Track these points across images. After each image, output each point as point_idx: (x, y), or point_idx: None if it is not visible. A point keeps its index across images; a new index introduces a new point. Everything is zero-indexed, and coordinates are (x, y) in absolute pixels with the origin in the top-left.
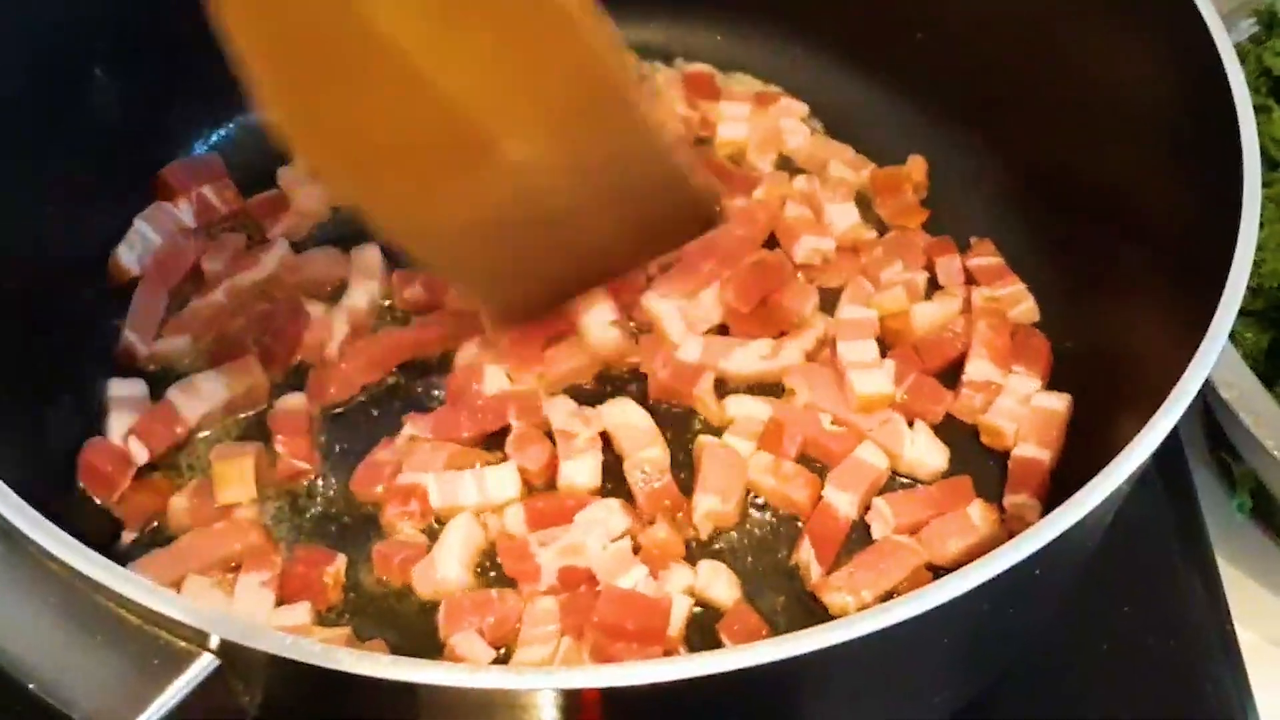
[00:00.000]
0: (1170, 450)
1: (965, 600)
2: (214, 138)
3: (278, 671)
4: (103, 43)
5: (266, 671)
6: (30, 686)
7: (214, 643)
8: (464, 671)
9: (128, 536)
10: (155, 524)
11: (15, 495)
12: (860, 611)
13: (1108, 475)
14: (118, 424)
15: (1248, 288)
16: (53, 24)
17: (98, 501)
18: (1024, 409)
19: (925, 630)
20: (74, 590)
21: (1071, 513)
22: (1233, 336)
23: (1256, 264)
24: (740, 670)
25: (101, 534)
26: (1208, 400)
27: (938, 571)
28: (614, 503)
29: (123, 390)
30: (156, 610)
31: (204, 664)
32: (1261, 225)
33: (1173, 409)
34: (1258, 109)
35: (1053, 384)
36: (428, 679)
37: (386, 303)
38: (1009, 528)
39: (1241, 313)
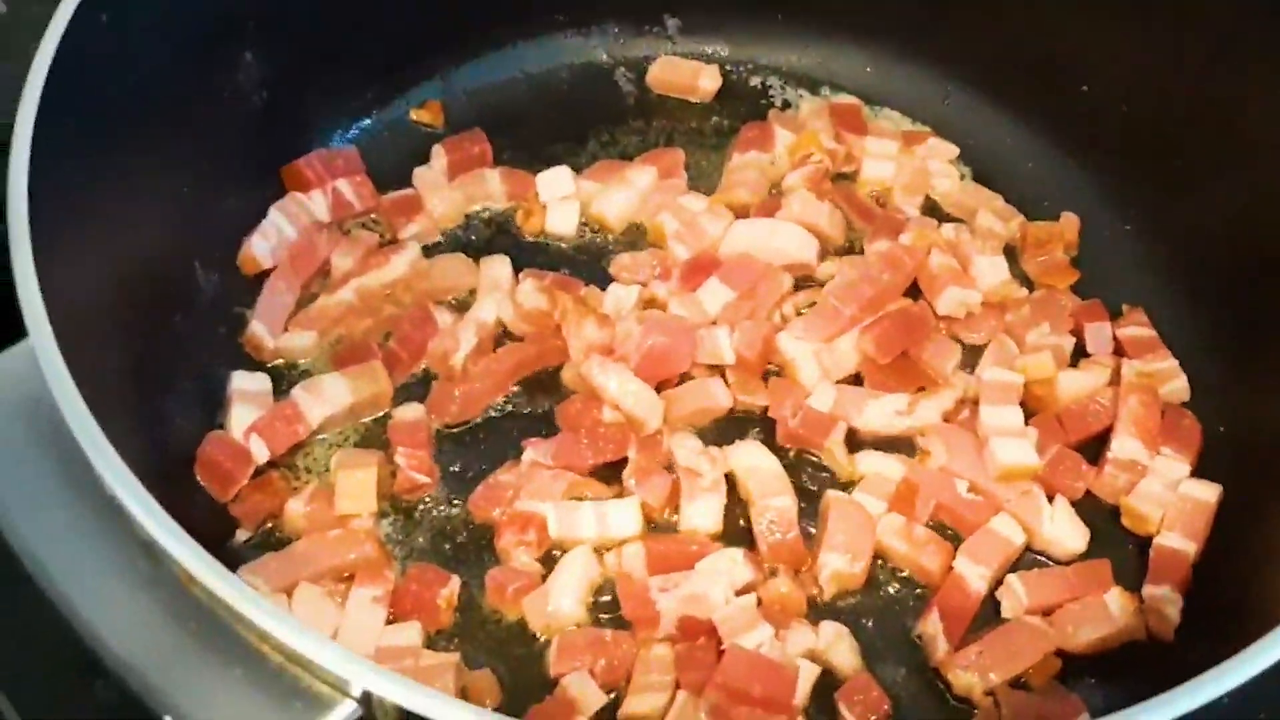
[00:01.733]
0: None
1: None
2: (353, 131)
3: None
4: (254, 27)
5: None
6: (166, 718)
7: (356, 690)
8: None
9: (241, 535)
10: (270, 524)
11: (161, 510)
12: (985, 696)
13: None
14: (239, 418)
15: None
16: (208, 4)
17: (212, 496)
18: (1171, 495)
19: None
20: (217, 619)
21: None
22: None
23: None
24: None
25: (215, 530)
26: None
27: (1066, 658)
28: (738, 553)
29: (247, 384)
30: (302, 652)
31: (346, 711)
32: None
33: None
34: None
35: (1201, 470)
36: None
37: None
38: (1146, 619)
39: None
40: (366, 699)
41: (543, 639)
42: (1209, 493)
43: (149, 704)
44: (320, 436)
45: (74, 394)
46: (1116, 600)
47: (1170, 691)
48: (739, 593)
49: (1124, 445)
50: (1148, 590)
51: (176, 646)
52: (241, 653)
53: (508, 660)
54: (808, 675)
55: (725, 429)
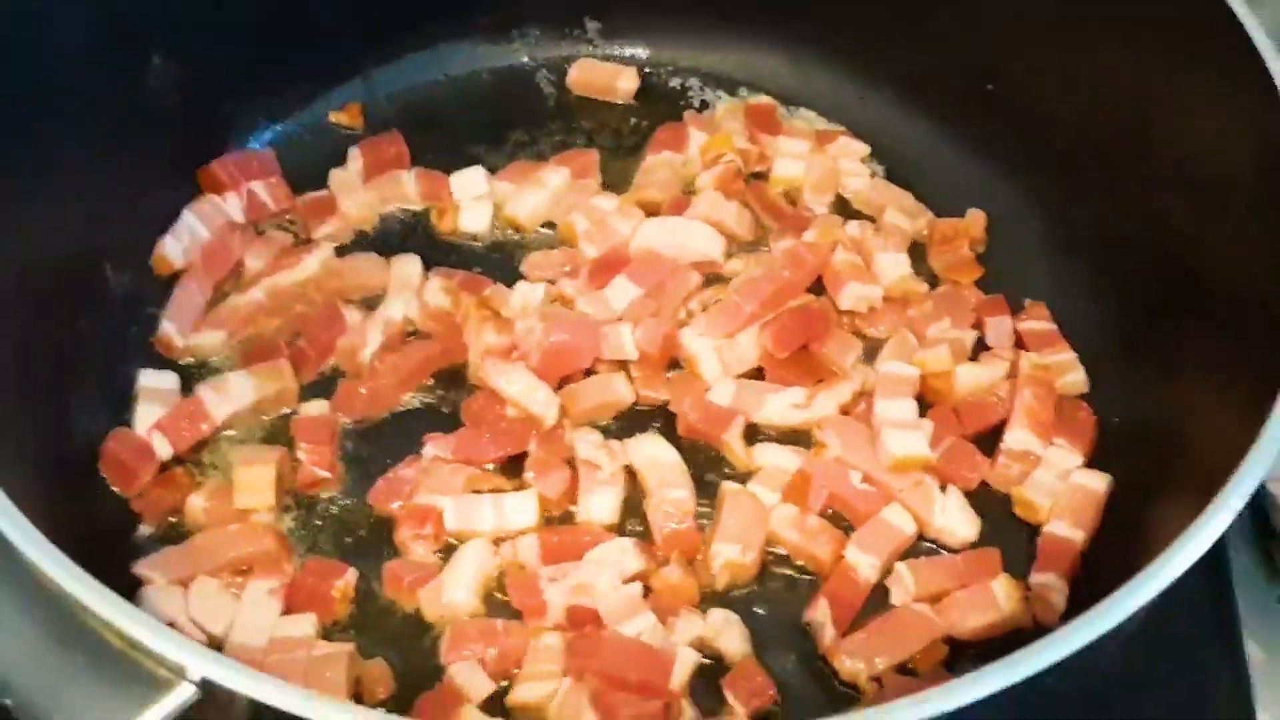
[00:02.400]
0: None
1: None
2: (270, 133)
3: (257, 710)
4: (163, 30)
5: (245, 707)
6: (6, 702)
7: (195, 675)
8: None
9: (145, 530)
10: (173, 520)
11: (12, 505)
12: (870, 682)
13: (1147, 580)
14: (145, 415)
15: None
16: (115, 8)
17: (117, 492)
18: (1061, 485)
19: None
20: (62, 608)
21: (1107, 617)
22: None
23: None
24: None
25: (120, 526)
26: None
27: (953, 644)
28: (628, 543)
29: (154, 381)
30: (139, 639)
31: (183, 694)
32: None
33: (1222, 509)
34: None
35: (1095, 461)
36: None
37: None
38: (1032, 607)
39: None
40: (204, 682)
41: (438, 630)
42: (1099, 483)
43: None
44: (227, 433)
45: None
46: (1003, 588)
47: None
48: (628, 581)
49: (1017, 436)
50: (1035, 578)
51: (22, 636)
52: (87, 641)
53: (403, 650)
54: (686, 661)
55: (628, 423)
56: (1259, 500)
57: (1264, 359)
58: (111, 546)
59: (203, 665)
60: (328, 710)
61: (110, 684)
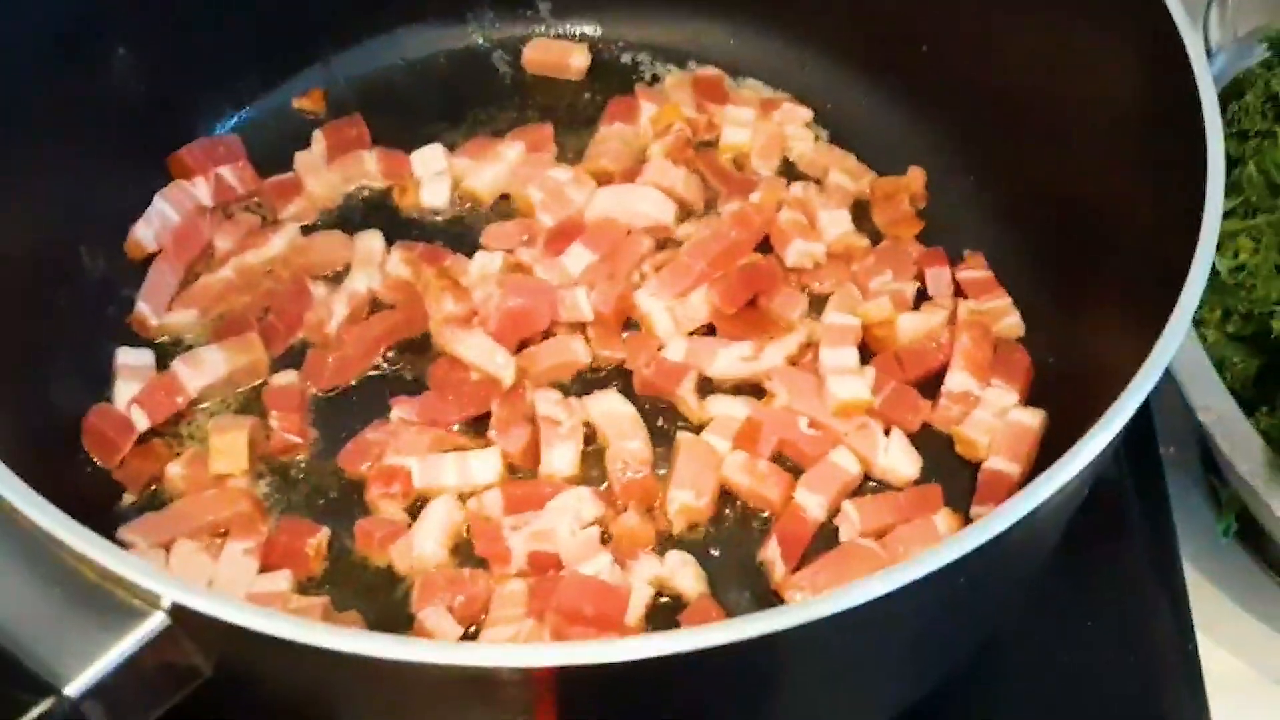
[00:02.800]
0: (1147, 468)
1: (917, 588)
2: (235, 119)
3: (226, 634)
4: (127, 22)
5: (216, 634)
6: None
7: (166, 603)
8: (366, 638)
9: (128, 499)
10: (154, 489)
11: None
12: None
13: (1052, 475)
14: (123, 391)
15: (1238, 313)
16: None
17: (100, 465)
18: (999, 422)
19: (875, 619)
20: (39, 546)
21: (1021, 505)
22: (1221, 362)
23: (1247, 289)
24: (693, 652)
25: (103, 497)
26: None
27: None
28: (585, 491)
29: (130, 359)
30: (110, 568)
31: (156, 622)
32: (1256, 250)
33: (1116, 415)
34: (1263, 134)
35: (1031, 400)
36: (350, 647)
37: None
38: None
39: (1231, 338)
40: (177, 612)
41: (409, 581)
42: (1033, 418)
43: None
44: (202, 406)
45: None
46: (944, 520)
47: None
48: (586, 527)
49: (956, 378)
50: (974, 510)
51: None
52: (63, 575)
53: (375, 603)
54: (641, 596)
55: (587, 383)
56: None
57: (1156, 296)
58: (96, 515)
59: (173, 592)
60: (293, 628)
61: (87, 615)
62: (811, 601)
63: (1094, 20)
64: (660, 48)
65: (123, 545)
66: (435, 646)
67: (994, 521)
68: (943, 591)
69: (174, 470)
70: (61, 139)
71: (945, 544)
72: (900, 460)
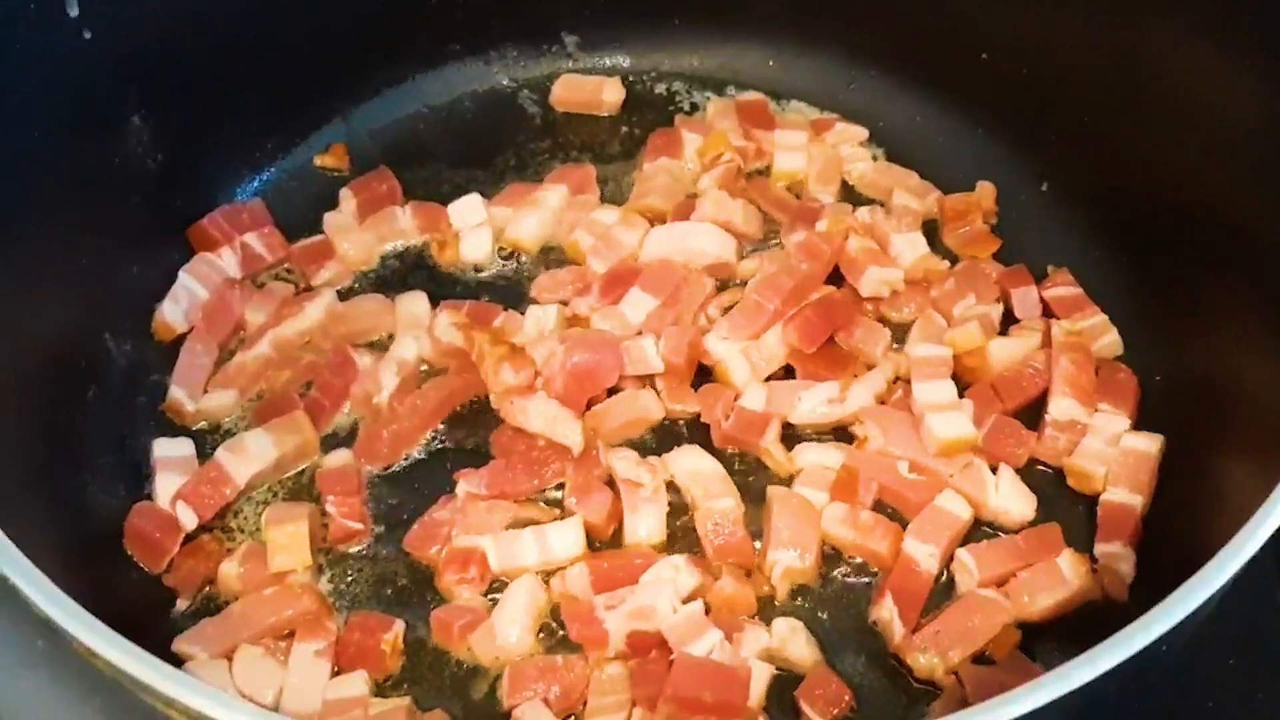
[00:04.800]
0: None
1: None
2: (257, 183)
3: None
4: (139, 90)
5: None
6: None
7: None
8: None
9: (182, 604)
10: (207, 590)
11: (53, 585)
12: (947, 675)
13: (1240, 545)
14: (165, 486)
15: None
16: (89, 72)
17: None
18: (1113, 450)
19: None
20: (121, 691)
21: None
22: None
23: None
24: None
25: (155, 604)
26: None
27: (1026, 627)
28: (680, 560)
29: (169, 450)
30: (210, 715)
31: None
32: None
33: None
34: None
35: (1141, 422)
36: None
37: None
38: (1101, 579)
39: None
40: None
41: (495, 672)
42: (1151, 444)
43: None
44: (250, 495)
45: None
46: (1069, 563)
47: (1101, 645)
48: (686, 600)
49: (1061, 406)
50: (1099, 549)
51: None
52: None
53: (462, 698)
54: (761, 675)
55: (662, 438)
56: None
57: None
58: (146, 625)
59: None
60: None
61: None
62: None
63: (1203, 19)
64: (696, 75)
65: (179, 659)
66: None
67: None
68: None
69: (228, 569)
70: (77, 218)
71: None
72: (1013, 500)
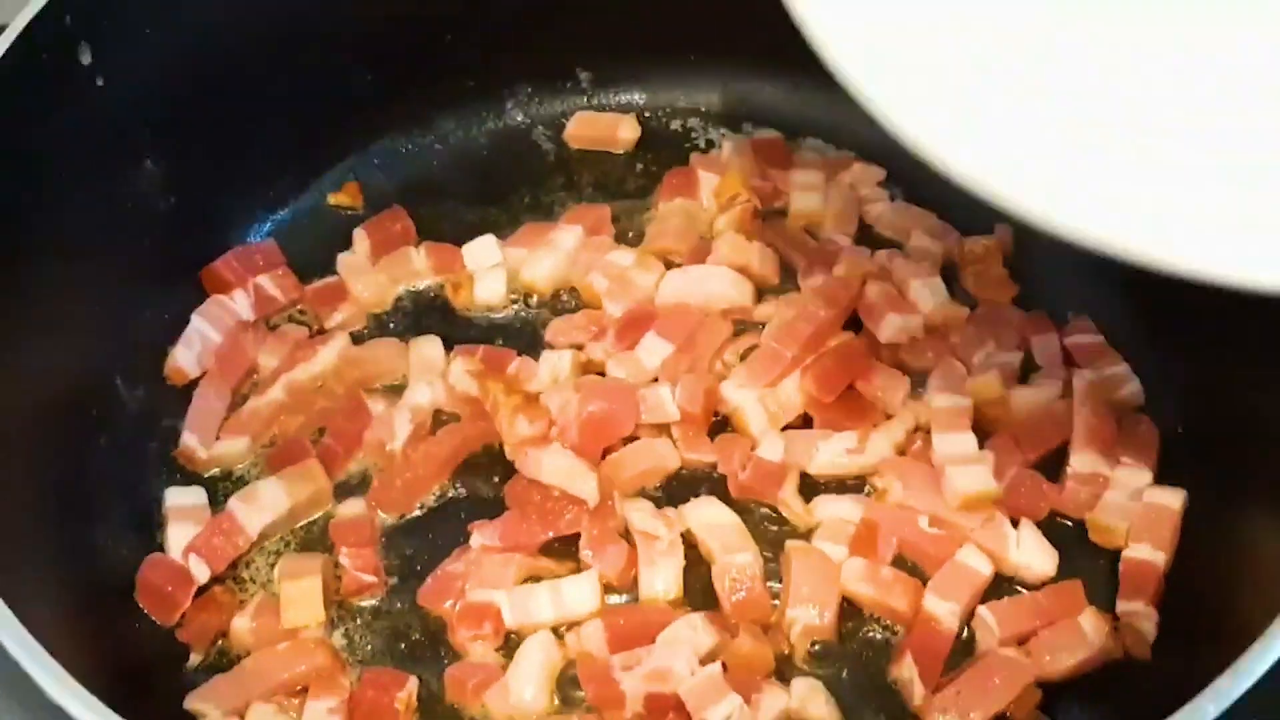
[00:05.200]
0: None
1: None
2: (269, 224)
3: None
4: (151, 134)
5: None
6: None
7: None
8: None
9: (195, 658)
10: (220, 643)
11: (68, 676)
12: None
13: None
14: (177, 537)
15: None
16: (101, 118)
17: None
18: (1135, 505)
19: None
20: None
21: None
22: None
23: None
24: None
25: (168, 658)
26: None
27: (1046, 686)
28: (698, 618)
29: (181, 499)
30: None
31: None
32: None
33: None
34: None
35: (1163, 474)
36: None
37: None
38: (1123, 639)
39: None
40: None
41: None
42: (1173, 499)
43: None
44: (262, 545)
45: None
46: (1091, 622)
47: None
48: (704, 659)
49: (1083, 459)
50: (1121, 607)
51: None
52: None
53: None
54: None
55: (677, 488)
56: None
57: None
58: (160, 679)
59: None
60: None
61: None
62: None
63: None
64: (711, 112)
65: (193, 717)
66: None
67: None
68: None
69: (240, 624)
70: (89, 262)
71: None
72: (1034, 555)
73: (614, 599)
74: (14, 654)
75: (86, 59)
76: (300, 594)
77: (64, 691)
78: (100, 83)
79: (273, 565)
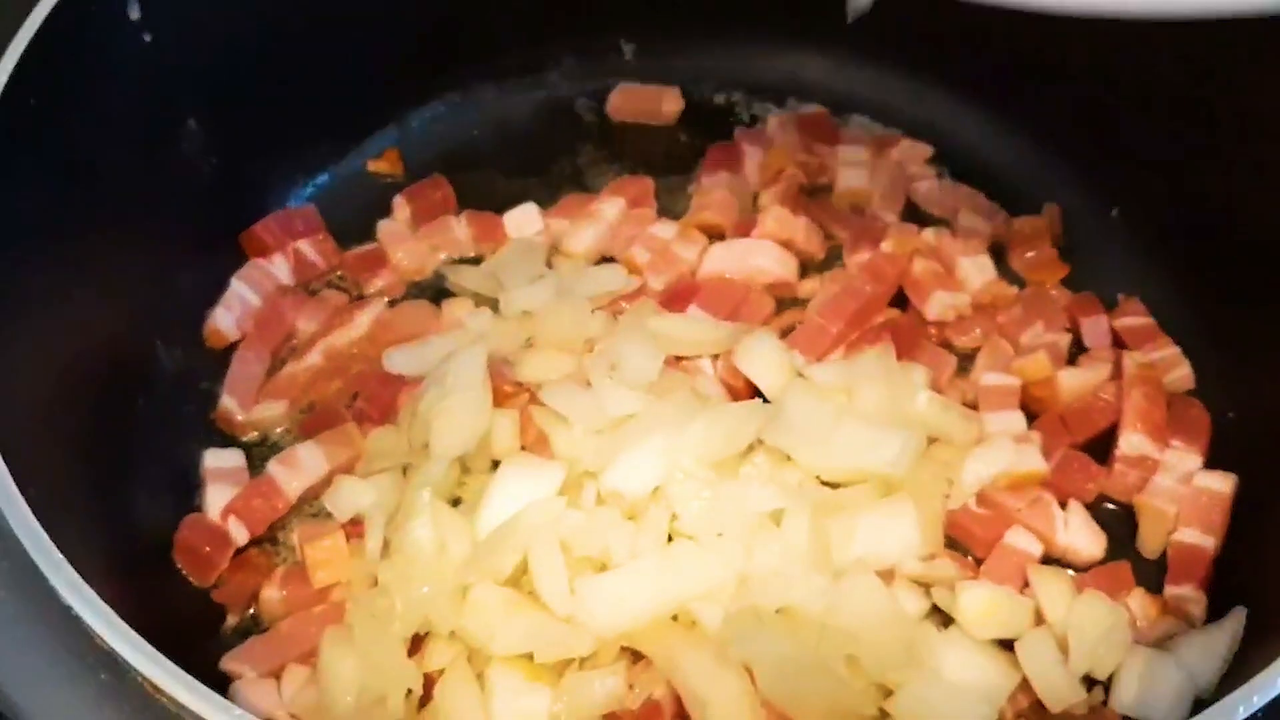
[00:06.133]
0: None
1: None
2: (309, 189)
3: None
4: (194, 93)
5: None
6: None
7: None
8: None
9: (231, 620)
10: (254, 606)
11: (119, 619)
12: None
13: None
14: (215, 499)
15: None
16: (148, 75)
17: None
18: (1184, 489)
19: None
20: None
21: None
22: None
23: None
24: None
25: (205, 620)
26: None
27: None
28: None
29: (220, 462)
30: None
31: None
32: None
33: None
34: None
35: (1212, 460)
36: None
37: None
38: (1168, 622)
39: None
40: None
41: None
42: (1224, 483)
43: None
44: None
45: (18, 499)
46: (1139, 603)
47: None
48: None
49: (1131, 441)
50: (1170, 591)
51: None
52: None
53: None
54: None
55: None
56: None
57: None
58: (196, 640)
59: None
60: None
61: None
62: None
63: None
64: (756, 86)
65: (227, 678)
66: None
67: None
68: None
69: (270, 594)
70: (131, 223)
71: None
72: (1082, 537)
73: None
74: (67, 599)
75: (135, 14)
76: (325, 554)
77: (116, 635)
78: (148, 38)
79: None
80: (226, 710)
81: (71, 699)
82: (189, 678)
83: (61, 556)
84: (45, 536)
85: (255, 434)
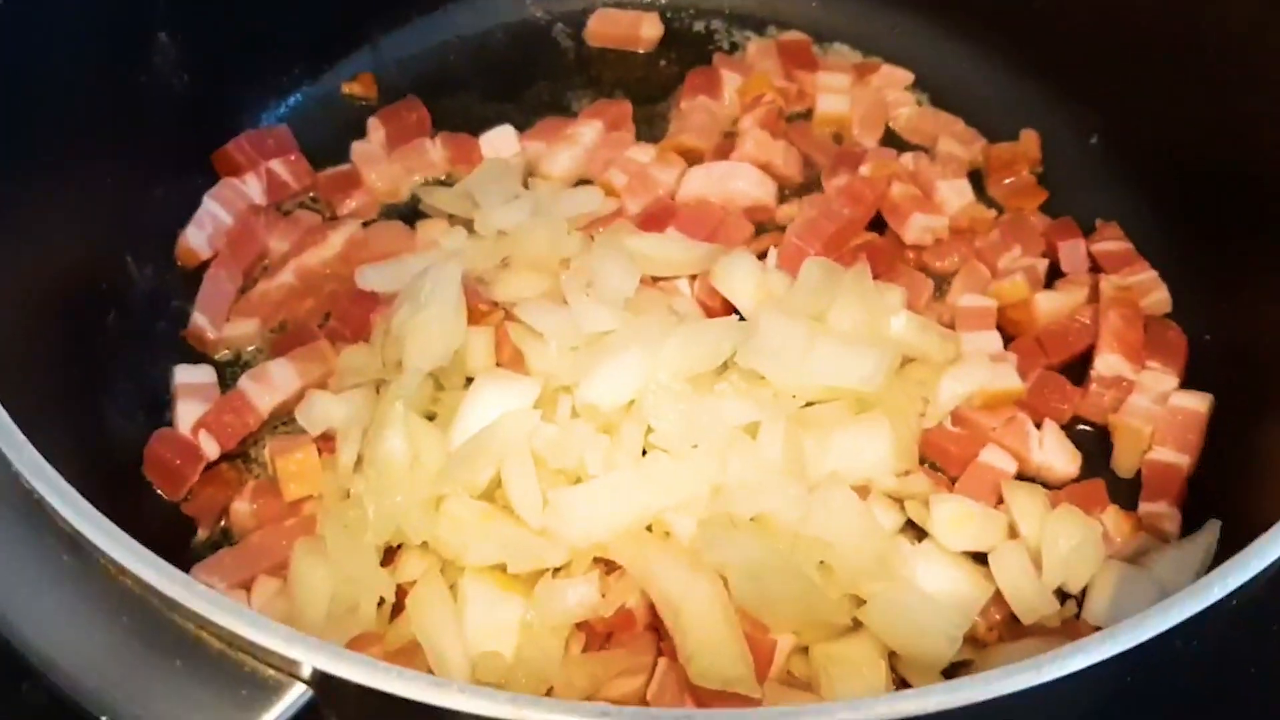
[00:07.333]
0: None
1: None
2: (282, 109)
3: (375, 702)
4: (166, 5)
5: (363, 702)
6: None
7: (306, 672)
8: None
9: (202, 534)
10: (224, 520)
11: (83, 500)
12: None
13: None
14: (186, 414)
15: None
16: None
17: (164, 498)
18: (1160, 409)
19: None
20: (150, 610)
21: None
22: None
23: None
24: None
25: (175, 533)
26: None
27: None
28: None
29: (191, 377)
30: (245, 636)
31: (297, 695)
32: None
33: None
34: None
35: (1188, 382)
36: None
37: None
38: (1141, 538)
39: None
40: (319, 680)
41: None
42: (1200, 403)
43: (83, 704)
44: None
45: None
46: (1112, 520)
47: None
48: None
49: (1108, 361)
50: (1144, 508)
51: (109, 642)
52: (179, 643)
53: None
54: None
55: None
56: None
57: None
58: (166, 553)
59: (317, 658)
60: (464, 698)
61: (214, 690)
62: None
63: None
64: (735, 14)
65: None
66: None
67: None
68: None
69: (240, 508)
70: (102, 138)
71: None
72: (1057, 455)
73: None
74: (29, 481)
75: None
76: (297, 466)
77: (79, 517)
78: None
79: None
80: (188, 585)
81: (34, 581)
82: (151, 555)
83: (24, 438)
84: (6, 416)
85: (227, 352)
